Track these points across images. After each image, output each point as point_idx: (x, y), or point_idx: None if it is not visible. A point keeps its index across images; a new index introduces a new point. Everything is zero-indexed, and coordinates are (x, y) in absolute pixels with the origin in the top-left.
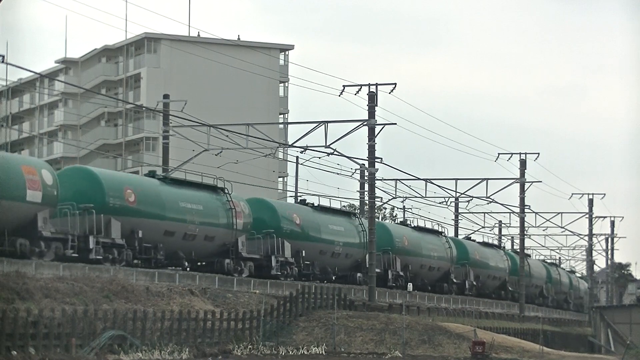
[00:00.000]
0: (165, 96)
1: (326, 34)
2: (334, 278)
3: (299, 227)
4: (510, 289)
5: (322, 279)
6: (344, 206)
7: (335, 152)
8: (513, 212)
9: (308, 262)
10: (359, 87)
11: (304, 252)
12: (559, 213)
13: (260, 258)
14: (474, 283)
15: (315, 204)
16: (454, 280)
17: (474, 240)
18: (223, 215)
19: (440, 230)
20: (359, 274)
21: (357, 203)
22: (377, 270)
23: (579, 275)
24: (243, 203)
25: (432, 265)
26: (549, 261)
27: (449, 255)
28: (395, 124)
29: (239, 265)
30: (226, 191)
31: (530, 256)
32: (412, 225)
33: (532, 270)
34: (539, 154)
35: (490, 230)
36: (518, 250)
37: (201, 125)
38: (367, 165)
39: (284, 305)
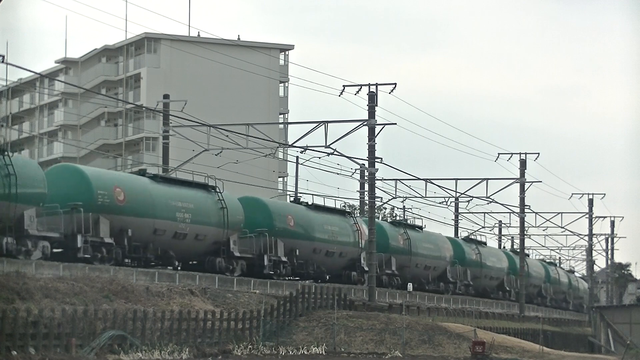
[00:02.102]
0: (165, 96)
1: (326, 34)
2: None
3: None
4: (365, 269)
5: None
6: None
7: (335, 152)
8: (513, 212)
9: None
10: (359, 87)
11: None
12: (559, 213)
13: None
14: (284, 259)
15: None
16: (236, 255)
17: (300, 203)
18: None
19: (210, 184)
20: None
21: (357, 203)
22: None
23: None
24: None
25: (181, 231)
26: (557, 266)
27: (223, 221)
28: (395, 124)
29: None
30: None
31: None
32: (150, 174)
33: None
34: (539, 154)
35: (490, 230)
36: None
37: (201, 125)
38: (367, 165)
39: (284, 305)
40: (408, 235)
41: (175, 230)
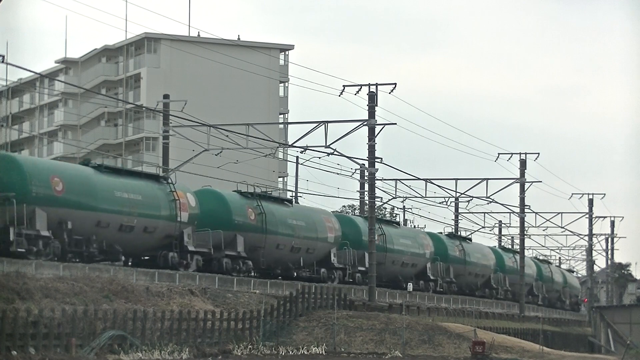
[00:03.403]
0: (165, 96)
1: (326, 34)
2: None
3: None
4: (190, 249)
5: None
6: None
7: (335, 152)
8: (513, 212)
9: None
10: (359, 87)
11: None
12: (559, 213)
13: None
14: (46, 234)
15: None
16: None
17: (88, 165)
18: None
19: None
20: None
21: (357, 203)
22: None
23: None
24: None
25: None
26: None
27: None
28: (395, 124)
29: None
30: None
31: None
32: None
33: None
34: (539, 154)
35: (490, 230)
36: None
37: (201, 125)
38: (367, 165)
39: (284, 305)
40: (262, 209)
41: None
